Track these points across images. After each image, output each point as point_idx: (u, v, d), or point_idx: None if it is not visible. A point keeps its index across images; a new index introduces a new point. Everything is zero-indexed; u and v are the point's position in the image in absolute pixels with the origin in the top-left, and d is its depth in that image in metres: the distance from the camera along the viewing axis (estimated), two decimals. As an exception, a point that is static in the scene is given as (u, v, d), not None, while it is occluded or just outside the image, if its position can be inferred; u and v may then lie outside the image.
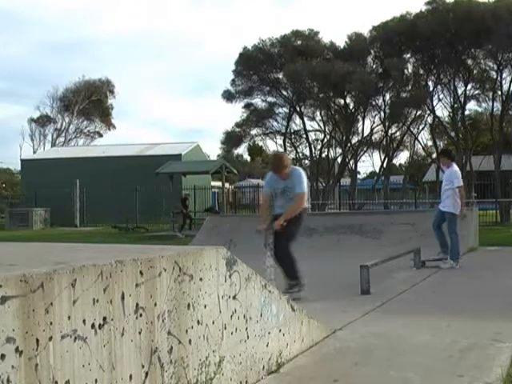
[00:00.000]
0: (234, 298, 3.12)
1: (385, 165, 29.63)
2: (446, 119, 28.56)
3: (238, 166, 35.98)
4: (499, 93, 25.05)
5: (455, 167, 9.13)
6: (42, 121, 50.02)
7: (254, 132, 31.00)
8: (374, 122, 29.08)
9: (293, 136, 31.14)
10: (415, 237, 10.84)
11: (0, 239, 12.48)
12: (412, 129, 28.79)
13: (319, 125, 30.48)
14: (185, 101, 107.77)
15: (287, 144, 30.98)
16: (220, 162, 24.24)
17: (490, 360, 3.62)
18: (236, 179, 42.05)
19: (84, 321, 2.11)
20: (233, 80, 29.10)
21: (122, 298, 2.31)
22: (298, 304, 3.91)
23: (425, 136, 40.98)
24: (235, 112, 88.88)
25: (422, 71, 26.74)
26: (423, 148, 32.57)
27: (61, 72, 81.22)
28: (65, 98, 49.16)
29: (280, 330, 3.57)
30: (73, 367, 2.05)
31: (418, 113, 27.53)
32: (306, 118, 29.54)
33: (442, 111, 44.35)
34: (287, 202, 6.32)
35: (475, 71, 25.83)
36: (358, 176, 37.07)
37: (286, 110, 29.95)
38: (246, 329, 3.21)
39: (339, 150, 30.16)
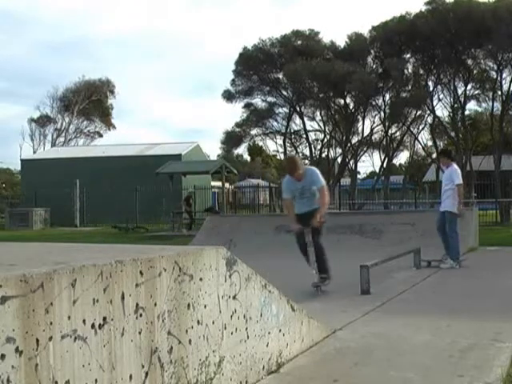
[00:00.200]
0: (234, 298, 3.12)
1: (385, 165, 29.65)
2: (446, 119, 28.60)
3: (237, 166, 35.99)
4: (499, 93, 25.05)
5: (455, 166, 9.13)
6: (42, 121, 50.03)
7: (254, 132, 31.06)
8: (374, 122, 29.14)
9: (293, 136, 31.16)
10: (415, 237, 10.84)
11: (0, 239, 12.48)
12: (412, 129, 28.81)
13: (319, 125, 30.54)
14: (185, 101, 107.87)
15: (287, 144, 31.02)
16: (220, 162, 24.23)
17: (490, 360, 3.62)
18: (236, 179, 42.04)
19: (84, 321, 2.11)
20: (233, 80, 29.13)
21: (122, 298, 2.31)
22: (298, 304, 3.91)
23: (425, 136, 41.04)
24: (235, 112, 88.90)
25: (422, 71, 26.75)
26: (423, 148, 32.61)
27: (61, 72, 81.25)
28: (65, 98, 49.16)
29: (280, 330, 3.57)
30: (73, 367, 2.05)
31: (418, 113, 27.56)
32: (306, 118, 29.60)
33: (442, 111, 44.42)
34: (308, 200, 6.81)
35: (475, 71, 25.84)
36: (358, 176, 37.14)
37: (286, 109, 30.00)
38: (246, 329, 3.21)
39: (339, 150, 30.21)
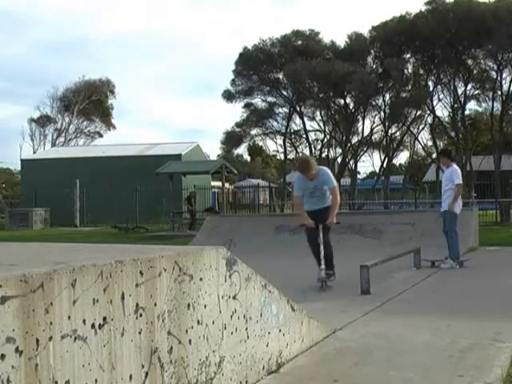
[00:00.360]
0: (234, 298, 3.12)
1: (385, 165, 29.64)
2: (446, 119, 28.60)
3: (238, 166, 35.98)
4: (499, 93, 25.05)
5: (455, 166, 9.14)
6: (42, 121, 50.04)
7: (254, 132, 31.06)
8: (374, 122, 29.14)
9: (293, 136, 31.17)
10: (415, 237, 10.84)
11: (0, 239, 12.48)
12: (412, 129, 28.81)
13: (319, 125, 30.54)
14: (185, 101, 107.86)
15: (287, 144, 31.02)
16: (220, 162, 24.23)
17: (490, 360, 3.62)
18: (236, 179, 42.05)
19: (84, 321, 2.11)
20: (233, 80, 29.13)
21: (122, 298, 2.31)
22: (298, 304, 3.91)
23: (425, 136, 41.04)
24: (235, 112, 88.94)
25: (422, 71, 26.74)
26: (423, 148, 32.60)
27: (61, 72, 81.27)
28: (65, 97, 49.17)
29: (280, 330, 3.57)
30: (73, 367, 2.05)
31: (418, 113, 27.55)
32: (306, 118, 29.60)
33: (442, 111, 44.44)
34: (318, 199, 7.12)
35: (475, 71, 25.83)
36: (358, 176, 37.12)
37: (286, 110, 30.00)
38: (246, 329, 3.21)
39: (339, 150, 30.20)
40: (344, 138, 28.58)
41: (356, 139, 29.37)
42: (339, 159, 29.67)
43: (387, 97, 27.26)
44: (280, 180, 38.17)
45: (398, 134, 29.41)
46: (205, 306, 2.85)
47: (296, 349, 3.76)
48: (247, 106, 29.94)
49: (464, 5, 23.86)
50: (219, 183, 26.07)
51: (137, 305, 2.39)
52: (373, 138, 29.98)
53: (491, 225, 20.15)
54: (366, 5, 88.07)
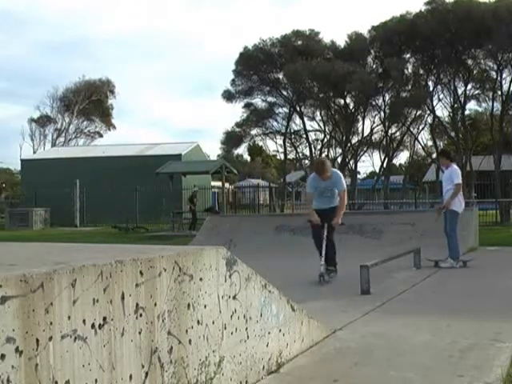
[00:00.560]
0: (234, 298, 3.12)
1: (385, 165, 29.65)
2: (446, 119, 28.60)
3: (238, 166, 35.99)
4: (499, 93, 25.05)
5: (455, 166, 9.15)
6: (42, 121, 50.06)
7: (254, 132, 31.08)
8: (374, 122, 29.15)
9: (293, 136, 31.18)
10: (415, 237, 10.84)
11: (0, 239, 12.48)
12: (412, 129, 28.81)
13: (319, 125, 30.55)
14: (185, 101, 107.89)
15: (287, 144, 31.03)
16: (220, 162, 24.23)
17: (490, 360, 3.62)
18: (236, 179, 42.06)
19: (84, 321, 2.11)
20: (233, 80, 29.13)
21: (122, 298, 2.31)
22: (298, 304, 3.91)
23: (425, 136, 41.12)
24: (235, 112, 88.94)
25: (421, 71, 26.74)
26: (423, 148, 32.60)
27: (61, 72, 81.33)
28: (65, 97, 49.19)
29: (280, 330, 3.57)
30: (73, 367, 2.05)
31: (418, 113, 27.56)
32: (306, 118, 29.60)
33: (442, 111, 44.49)
34: (327, 199, 7.59)
35: (475, 71, 25.83)
36: (358, 176, 37.12)
37: (286, 110, 30.01)
38: (246, 329, 3.21)
39: (339, 150, 30.23)
40: (344, 138, 28.59)
41: (356, 139, 29.41)
42: (339, 159, 29.67)
43: (387, 97, 27.29)
44: (280, 180, 38.20)
45: (397, 134, 29.43)
46: (205, 306, 2.85)
47: (296, 349, 3.76)
48: (247, 105, 29.96)
49: (464, 5, 23.86)
50: (219, 183, 26.07)
51: (137, 305, 2.39)
52: (373, 138, 30.01)
53: (491, 225, 20.15)
54: (366, 5, 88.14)
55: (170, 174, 21.99)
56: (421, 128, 29.38)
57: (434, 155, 29.15)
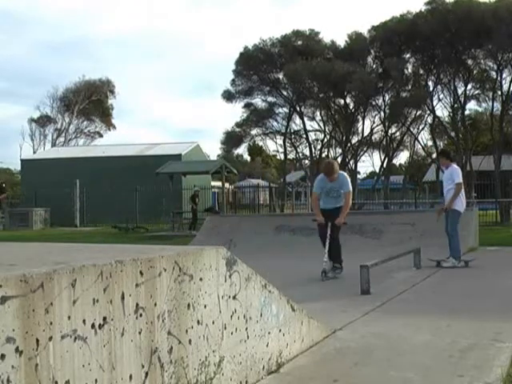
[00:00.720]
0: (234, 298, 3.12)
1: (385, 165, 29.65)
2: (446, 119, 28.60)
3: (238, 166, 35.98)
4: (499, 93, 25.05)
5: (455, 166, 9.15)
6: (42, 121, 50.05)
7: (254, 132, 31.08)
8: (374, 122, 29.15)
9: (293, 136, 31.18)
10: (415, 237, 10.84)
11: (0, 239, 12.48)
12: (412, 129, 28.81)
13: (319, 125, 30.55)
14: (185, 101, 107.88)
15: (287, 144, 31.02)
16: (220, 162, 24.22)
17: (490, 360, 3.62)
18: (236, 179, 42.05)
19: (84, 321, 2.11)
20: (233, 80, 29.14)
21: (122, 298, 2.31)
22: (298, 304, 3.91)
23: (425, 136, 41.09)
24: (235, 112, 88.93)
25: (422, 71, 26.75)
26: (423, 148, 32.61)
27: (61, 72, 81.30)
28: (65, 97, 49.19)
29: (280, 330, 3.57)
30: (73, 367, 2.05)
31: (418, 113, 27.56)
32: (306, 118, 29.60)
33: (442, 111, 44.43)
34: (333, 199, 7.93)
35: (475, 71, 25.83)
36: (358, 176, 37.11)
37: (286, 110, 30.01)
38: (246, 329, 3.21)
39: (339, 150, 30.23)
40: (344, 138, 28.59)
41: (356, 139, 29.42)
42: (339, 159, 29.65)
43: (387, 97, 27.29)
44: (280, 180, 38.20)
45: (397, 134, 29.43)
46: (205, 306, 2.85)
47: (296, 349, 3.76)
48: (247, 105, 29.96)
49: (464, 5, 23.86)
50: (219, 183, 26.06)
51: (137, 305, 2.39)
52: (373, 138, 30.02)
53: (491, 225, 20.15)
54: (366, 5, 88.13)
55: (170, 173, 21.99)
56: (421, 128, 29.44)
57: (434, 155, 29.15)
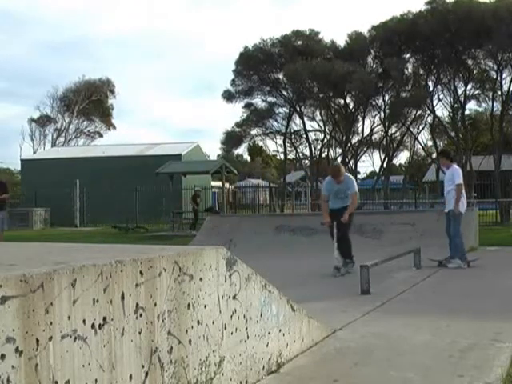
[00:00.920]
0: (234, 298, 3.12)
1: (385, 165, 29.64)
2: (446, 119, 28.60)
3: (238, 166, 35.99)
4: (499, 93, 25.05)
5: (456, 166, 9.15)
6: (42, 121, 50.05)
7: (254, 132, 31.07)
8: (374, 122, 29.14)
9: (293, 136, 31.17)
10: (415, 237, 10.84)
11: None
12: (412, 129, 28.81)
13: (319, 125, 30.54)
14: (185, 101, 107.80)
15: (287, 144, 31.02)
16: (220, 162, 24.23)
17: (490, 360, 3.62)
18: (236, 179, 42.05)
19: (84, 321, 2.11)
20: (233, 80, 29.13)
21: (122, 298, 2.31)
22: (298, 304, 3.91)
23: (425, 136, 41.11)
24: (235, 112, 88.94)
25: (421, 71, 26.74)
26: (423, 148, 32.61)
27: (61, 72, 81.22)
28: (65, 97, 49.19)
29: (280, 330, 3.57)
30: (73, 367, 2.05)
31: (418, 113, 27.55)
32: (306, 118, 29.59)
33: (442, 111, 44.45)
34: (340, 200, 8.34)
35: (475, 71, 25.83)
36: (358, 176, 37.10)
37: (286, 110, 30.00)
38: (246, 329, 3.21)
39: (339, 150, 30.22)
40: (344, 137, 28.59)
41: (356, 139, 29.41)
42: (339, 159, 29.65)
43: (387, 97, 27.28)
44: (280, 180, 38.20)
45: (397, 134, 29.42)
46: (205, 306, 2.85)
47: (296, 349, 3.76)
48: (247, 106, 29.95)
49: (464, 5, 23.86)
50: (219, 183, 26.07)
51: (137, 305, 2.39)
52: (373, 138, 30.01)
53: (491, 225, 20.15)
54: (366, 4, 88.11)
55: (170, 173, 21.99)
56: (421, 128, 29.42)
57: (434, 155, 29.15)
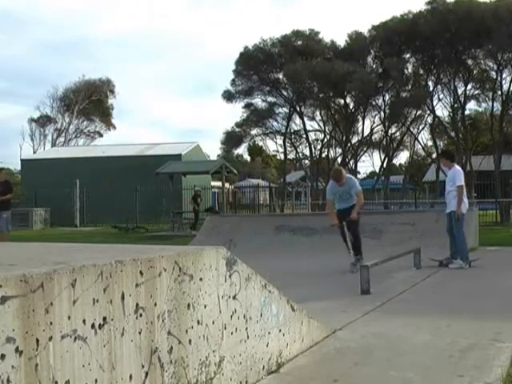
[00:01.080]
0: (234, 298, 3.12)
1: (385, 165, 29.64)
2: (446, 119, 28.60)
3: (238, 166, 35.98)
4: (499, 93, 25.04)
5: (458, 167, 9.15)
6: (42, 121, 50.04)
7: (254, 132, 31.07)
8: (374, 122, 29.13)
9: (293, 136, 31.17)
10: (415, 237, 10.84)
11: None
12: (412, 129, 28.81)
13: (319, 125, 30.53)
14: (185, 101, 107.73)
15: (287, 144, 31.02)
16: (220, 162, 24.22)
17: (490, 360, 3.62)
18: (236, 179, 42.04)
19: (84, 321, 2.11)
20: (233, 80, 29.13)
21: (122, 298, 2.31)
22: (298, 304, 3.91)
23: (425, 136, 41.10)
24: (235, 112, 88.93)
25: (421, 71, 26.73)
26: (423, 148, 32.61)
27: (61, 72, 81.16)
28: (65, 97, 49.17)
29: (280, 330, 3.57)
30: (73, 367, 2.05)
31: (418, 113, 27.55)
32: (306, 118, 29.59)
33: (442, 111, 44.47)
34: (346, 200, 8.71)
35: (475, 71, 25.83)
36: (358, 176, 37.09)
37: (286, 110, 29.99)
38: (246, 329, 3.21)
39: (339, 150, 30.20)
40: (344, 137, 28.58)
41: (356, 139, 29.40)
42: (339, 159, 29.67)
43: (387, 97, 27.28)
44: (280, 180, 38.20)
45: (397, 134, 29.42)
46: (205, 306, 2.85)
47: (296, 349, 3.76)
48: (247, 106, 29.95)
49: (464, 5, 23.85)
50: (219, 183, 26.07)
51: (137, 305, 2.39)
52: (373, 138, 30.00)
53: (491, 225, 20.14)
54: (366, 4, 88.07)
55: (170, 173, 21.99)
56: (421, 128, 29.42)
57: (434, 155, 29.16)
